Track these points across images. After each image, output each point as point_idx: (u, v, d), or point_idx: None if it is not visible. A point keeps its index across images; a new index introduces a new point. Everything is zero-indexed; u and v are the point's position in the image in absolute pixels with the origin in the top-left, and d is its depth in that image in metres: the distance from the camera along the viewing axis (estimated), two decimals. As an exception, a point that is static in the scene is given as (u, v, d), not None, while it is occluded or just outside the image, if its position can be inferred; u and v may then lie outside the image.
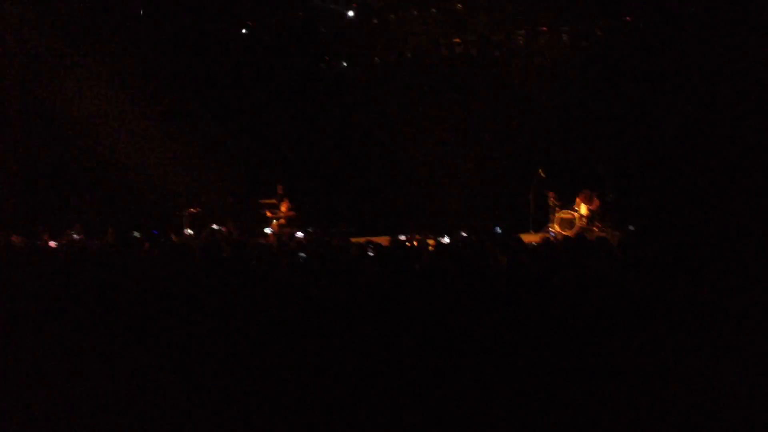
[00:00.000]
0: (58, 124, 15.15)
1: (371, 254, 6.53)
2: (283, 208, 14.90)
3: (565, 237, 8.20)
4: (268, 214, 14.96)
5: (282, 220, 14.81)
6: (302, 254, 6.49)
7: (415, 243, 8.63)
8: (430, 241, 9.22)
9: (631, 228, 12.79)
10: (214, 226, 14.59)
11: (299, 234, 14.26)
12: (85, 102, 15.24)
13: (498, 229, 12.28)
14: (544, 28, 15.33)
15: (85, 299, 5.18)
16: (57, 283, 5.70)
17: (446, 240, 9.62)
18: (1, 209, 13.53)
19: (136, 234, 13.67)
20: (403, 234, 11.15)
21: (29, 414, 4.09)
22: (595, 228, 14.06)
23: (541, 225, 14.85)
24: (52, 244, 12.40)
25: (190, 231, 14.35)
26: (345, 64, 16.95)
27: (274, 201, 15.27)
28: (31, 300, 5.22)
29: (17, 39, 13.84)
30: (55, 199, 15.01)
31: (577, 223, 14.22)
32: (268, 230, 14.82)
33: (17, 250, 8.91)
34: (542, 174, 14.73)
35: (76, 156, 15.49)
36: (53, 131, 15.08)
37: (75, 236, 13.32)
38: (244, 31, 16.34)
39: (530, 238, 12.16)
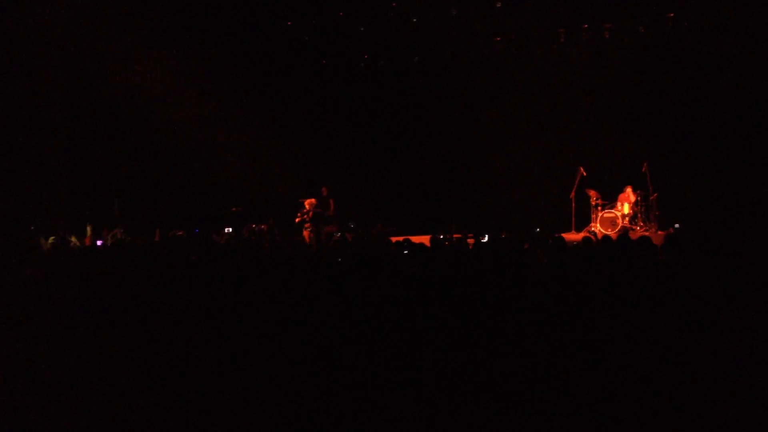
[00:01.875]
0: (105, 124, 15.41)
1: (408, 253, 6.53)
2: (307, 205, 14.87)
3: (607, 236, 8.08)
4: (297, 219, 14.90)
5: (307, 219, 14.77)
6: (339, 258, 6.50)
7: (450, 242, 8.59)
8: (470, 240, 9.19)
9: (677, 227, 12.60)
10: (255, 226, 14.70)
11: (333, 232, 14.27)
12: (131, 103, 15.49)
13: (537, 229, 12.18)
14: (585, 26, 15.14)
15: (130, 297, 5.27)
16: (104, 282, 5.81)
17: (485, 239, 9.56)
18: (48, 209, 13.83)
19: (180, 233, 13.89)
20: (443, 233, 11.13)
21: (81, 409, 4.17)
22: (637, 227, 13.88)
23: (583, 224, 14.70)
24: (99, 243, 12.65)
25: (230, 229, 14.49)
26: (383, 63, 16.93)
27: (314, 201, 15.35)
28: (81, 298, 5.33)
29: (66, 38, 14.09)
30: (101, 198, 15.27)
31: (620, 222, 14.04)
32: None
33: (66, 250, 9.12)
34: (584, 172, 14.57)
35: (123, 156, 15.75)
36: (99, 131, 15.35)
37: (120, 235, 13.57)
38: (286, 32, 16.41)
39: (572, 237, 12.05)
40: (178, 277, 5.72)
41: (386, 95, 17.28)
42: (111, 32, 14.72)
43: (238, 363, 4.32)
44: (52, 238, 10.40)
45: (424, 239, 9.12)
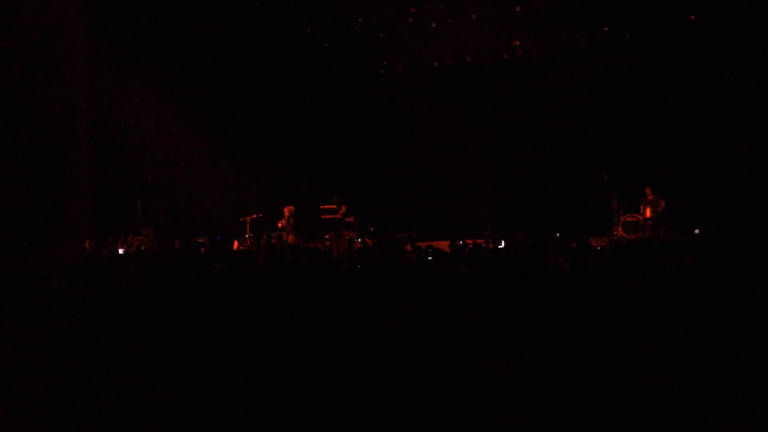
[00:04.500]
0: (126, 134, 15.57)
1: (431, 259, 6.51)
2: (286, 212, 14.81)
3: (629, 241, 8.03)
4: (280, 224, 14.83)
5: (286, 225, 14.71)
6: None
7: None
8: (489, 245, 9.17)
9: (697, 232, 12.48)
10: (273, 233, 14.73)
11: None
12: (151, 113, 15.65)
13: (557, 234, 12.12)
14: (606, 29, 15.05)
15: (152, 304, 5.30)
16: (127, 289, 5.85)
17: (502, 245, 9.54)
18: (70, 217, 13.96)
19: (201, 240, 13.97)
20: (462, 239, 11.11)
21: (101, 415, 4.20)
22: (660, 232, 13.75)
23: (604, 229, 14.59)
24: (120, 251, 12.75)
25: (249, 236, 14.54)
26: (402, 68, 16.96)
27: (334, 207, 15.40)
28: (101, 305, 5.36)
29: (88, 55, 14.32)
30: (122, 206, 15.40)
31: (642, 226, 13.93)
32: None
33: (88, 257, 9.19)
34: (605, 177, 14.47)
35: (143, 164, 15.89)
36: (120, 141, 15.50)
37: (141, 243, 13.66)
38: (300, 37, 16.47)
39: (594, 242, 11.97)
40: (201, 284, 5.74)
41: (406, 101, 17.28)
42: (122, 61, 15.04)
43: (257, 370, 4.33)
44: (71, 246, 10.54)
45: (444, 245, 9.09)
